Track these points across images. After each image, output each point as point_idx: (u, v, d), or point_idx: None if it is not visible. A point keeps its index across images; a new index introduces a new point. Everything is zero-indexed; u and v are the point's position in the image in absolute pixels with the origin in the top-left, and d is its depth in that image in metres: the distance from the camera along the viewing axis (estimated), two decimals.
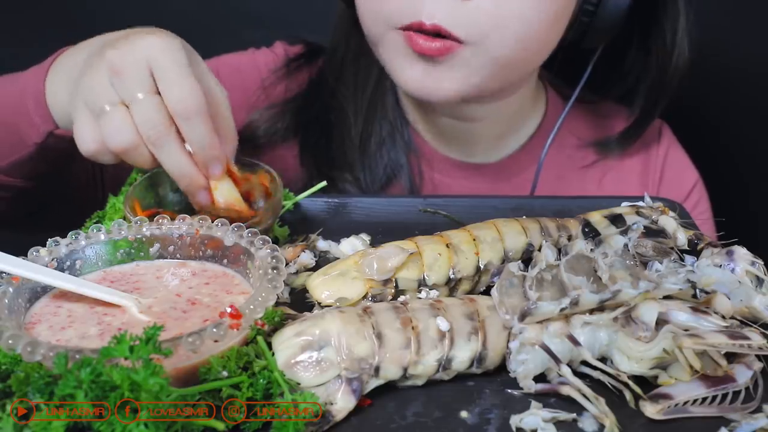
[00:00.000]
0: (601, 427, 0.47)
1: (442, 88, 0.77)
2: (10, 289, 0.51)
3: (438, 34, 0.73)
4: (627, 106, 0.95)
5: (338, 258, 0.64)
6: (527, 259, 0.60)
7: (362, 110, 0.91)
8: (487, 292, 0.57)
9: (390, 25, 0.76)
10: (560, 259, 0.55)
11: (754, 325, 0.52)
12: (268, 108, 0.94)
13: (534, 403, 0.49)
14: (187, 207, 0.66)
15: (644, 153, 0.97)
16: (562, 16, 0.78)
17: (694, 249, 0.62)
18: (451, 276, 0.58)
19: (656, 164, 0.97)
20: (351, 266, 0.58)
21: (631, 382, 0.49)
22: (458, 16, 0.73)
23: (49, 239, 0.56)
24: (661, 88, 0.90)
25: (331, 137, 0.92)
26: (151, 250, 0.59)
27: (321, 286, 0.57)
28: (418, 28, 0.74)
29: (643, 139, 0.96)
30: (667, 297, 0.52)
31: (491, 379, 0.52)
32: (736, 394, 0.49)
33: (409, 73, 0.78)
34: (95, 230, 0.58)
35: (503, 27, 0.73)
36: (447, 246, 0.59)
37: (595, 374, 0.50)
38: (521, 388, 0.50)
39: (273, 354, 0.49)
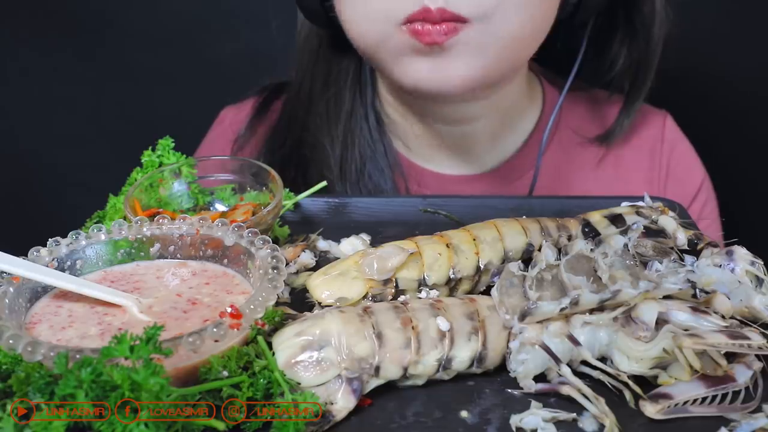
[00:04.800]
0: (602, 426, 0.47)
1: (451, 77, 0.75)
2: (11, 289, 0.51)
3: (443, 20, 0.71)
4: (615, 89, 0.94)
5: (338, 258, 0.64)
6: (527, 259, 0.60)
7: (338, 138, 0.89)
8: (487, 292, 0.57)
9: (392, 21, 0.73)
10: (560, 259, 0.55)
11: (754, 325, 0.52)
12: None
13: (534, 403, 0.49)
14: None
15: (648, 148, 0.95)
16: None
17: (694, 249, 0.62)
18: (452, 276, 0.58)
19: (662, 161, 0.95)
20: (351, 266, 0.58)
21: (631, 382, 0.49)
22: None
23: (49, 239, 0.56)
24: (645, 62, 0.89)
25: (308, 172, 0.90)
26: (151, 250, 0.59)
27: (321, 286, 0.57)
28: (424, 17, 0.71)
29: (646, 134, 0.95)
30: (667, 297, 0.52)
31: (491, 379, 0.52)
32: (736, 393, 0.49)
33: (416, 68, 0.75)
34: (95, 230, 0.58)
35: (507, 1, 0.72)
36: (447, 246, 0.59)
37: (595, 374, 0.50)
38: (521, 388, 0.50)
39: (273, 354, 0.49)
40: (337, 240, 0.68)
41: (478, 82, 0.77)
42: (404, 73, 0.77)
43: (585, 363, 0.51)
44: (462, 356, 0.51)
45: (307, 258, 0.65)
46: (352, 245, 0.67)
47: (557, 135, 0.94)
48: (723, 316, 0.52)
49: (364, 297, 0.57)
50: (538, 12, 0.76)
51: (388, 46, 0.76)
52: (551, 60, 0.93)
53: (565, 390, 0.49)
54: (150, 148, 0.72)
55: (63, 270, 0.55)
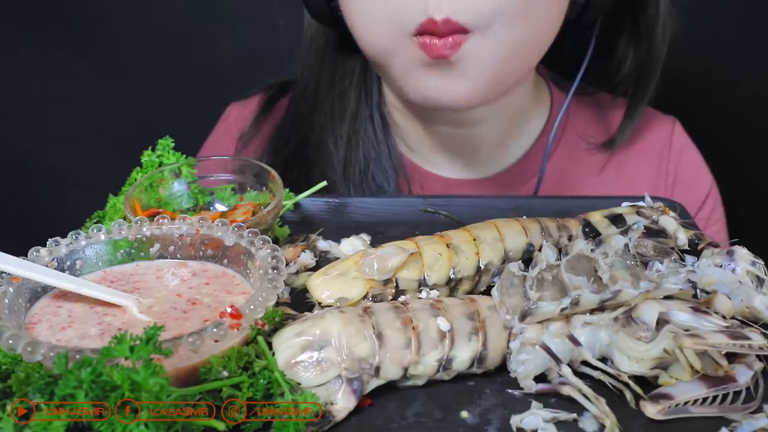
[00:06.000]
0: (602, 427, 0.47)
1: (458, 92, 0.75)
2: (11, 289, 0.51)
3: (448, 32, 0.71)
4: (619, 93, 0.93)
5: (338, 258, 0.64)
6: (528, 259, 0.60)
7: (342, 139, 0.88)
8: (487, 292, 0.57)
9: (401, 30, 0.73)
10: (561, 259, 0.55)
11: (755, 325, 0.52)
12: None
13: (534, 403, 0.49)
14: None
15: (656, 154, 0.94)
16: None
17: (694, 249, 0.62)
18: (452, 276, 0.58)
19: (669, 167, 0.94)
20: (351, 266, 0.58)
21: (631, 382, 0.49)
22: (463, 2, 0.70)
23: (49, 239, 0.56)
24: (650, 64, 0.88)
25: (311, 172, 0.89)
26: (151, 250, 0.59)
27: (321, 286, 0.57)
28: (431, 29, 0.71)
29: (653, 140, 0.94)
30: (667, 297, 0.52)
31: (492, 379, 0.52)
32: (737, 394, 0.49)
33: (425, 85, 0.75)
34: (95, 230, 0.58)
35: (508, 7, 0.71)
36: (447, 246, 0.59)
37: (596, 374, 0.50)
38: (522, 388, 0.50)
39: (273, 354, 0.49)
40: (337, 240, 0.68)
41: (485, 95, 0.77)
42: (412, 88, 0.77)
43: (585, 363, 0.51)
44: (462, 356, 0.51)
45: (307, 258, 0.65)
46: (352, 245, 0.67)
47: (563, 140, 0.93)
48: (724, 317, 0.52)
49: (365, 297, 0.57)
50: (541, 18, 0.75)
51: (396, 58, 0.76)
52: (557, 62, 0.93)
53: (566, 390, 0.49)
54: (150, 148, 0.72)
55: (63, 270, 0.55)
